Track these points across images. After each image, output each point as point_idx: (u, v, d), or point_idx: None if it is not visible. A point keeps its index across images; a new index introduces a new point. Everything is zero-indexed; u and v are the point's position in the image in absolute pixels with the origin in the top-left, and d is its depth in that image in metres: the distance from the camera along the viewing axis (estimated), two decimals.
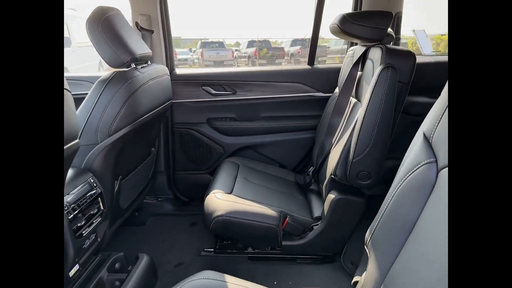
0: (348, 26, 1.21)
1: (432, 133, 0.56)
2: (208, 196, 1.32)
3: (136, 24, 1.61)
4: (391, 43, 1.30)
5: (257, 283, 1.25)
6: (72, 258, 0.98)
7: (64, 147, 0.69)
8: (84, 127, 1.12)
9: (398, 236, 0.65)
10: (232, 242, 1.45)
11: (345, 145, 1.20)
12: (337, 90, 1.64)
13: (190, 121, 1.86)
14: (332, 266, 1.32)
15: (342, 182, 1.22)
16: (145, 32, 1.62)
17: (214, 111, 1.86)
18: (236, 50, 15.84)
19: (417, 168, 0.59)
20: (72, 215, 0.97)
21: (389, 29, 1.25)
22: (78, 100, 1.19)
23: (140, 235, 1.68)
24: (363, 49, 1.36)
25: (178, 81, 1.81)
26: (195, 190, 1.94)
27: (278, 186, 1.55)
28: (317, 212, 1.38)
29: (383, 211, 0.71)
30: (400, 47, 1.19)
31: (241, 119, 1.86)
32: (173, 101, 1.81)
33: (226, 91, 1.82)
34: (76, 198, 1.01)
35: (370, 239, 0.76)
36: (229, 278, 0.88)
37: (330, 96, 1.69)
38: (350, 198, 1.24)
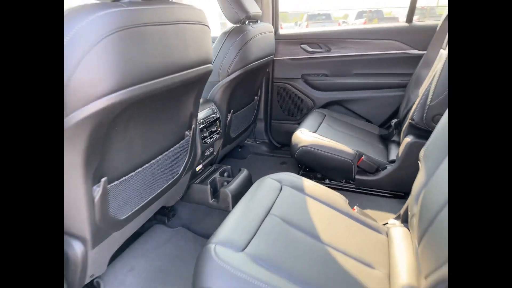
0: None
1: None
2: (295, 132, 1.61)
3: None
4: None
5: None
6: (199, 157, 1.43)
7: (200, 67, 1.04)
8: None
9: (440, 153, 0.80)
10: (312, 173, 1.72)
11: (425, 90, 1.28)
12: None
13: (287, 76, 2.15)
14: (400, 201, 1.45)
15: (418, 126, 1.32)
16: None
17: (309, 68, 2.09)
18: (344, 22, 15.05)
19: None
20: (201, 126, 1.41)
21: None
22: None
23: (242, 165, 2.12)
24: None
25: (280, 40, 2.10)
26: (286, 137, 2.26)
27: (360, 135, 1.71)
28: (393, 156, 1.50)
29: (437, 131, 0.86)
30: None
31: (333, 75, 2.04)
32: (275, 58, 2.12)
33: (321, 49, 2.02)
34: (204, 116, 1.44)
35: (423, 154, 0.92)
36: (306, 180, 1.16)
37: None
38: (425, 143, 1.33)
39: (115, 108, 0.72)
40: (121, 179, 0.91)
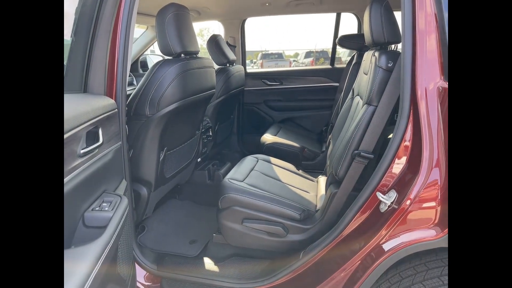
0: None
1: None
2: (263, 135, 2.42)
3: (227, 42, 2.81)
4: None
5: None
6: (200, 151, 2.14)
7: (210, 91, 1.81)
8: None
9: (336, 135, 1.65)
10: None
11: (337, 105, 2.18)
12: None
13: (253, 101, 3.00)
14: None
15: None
16: (232, 47, 2.81)
17: (268, 95, 2.97)
18: (294, 60, 16.95)
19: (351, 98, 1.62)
20: (201, 131, 2.15)
21: None
22: None
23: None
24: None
25: (248, 76, 2.97)
26: (253, 147, 3.04)
27: (304, 137, 2.58)
28: (324, 148, 2.37)
29: (341, 115, 1.71)
30: None
31: (285, 100, 2.94)
32: (245, 88, 2.97)
33: (276, 82, 2.92)
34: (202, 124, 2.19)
35: (330, 137, 1.76)
36: (272, 157, 1.95)
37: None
38: None
39: (179, 108, 1.44)
40: (171, 151, 1.61)
